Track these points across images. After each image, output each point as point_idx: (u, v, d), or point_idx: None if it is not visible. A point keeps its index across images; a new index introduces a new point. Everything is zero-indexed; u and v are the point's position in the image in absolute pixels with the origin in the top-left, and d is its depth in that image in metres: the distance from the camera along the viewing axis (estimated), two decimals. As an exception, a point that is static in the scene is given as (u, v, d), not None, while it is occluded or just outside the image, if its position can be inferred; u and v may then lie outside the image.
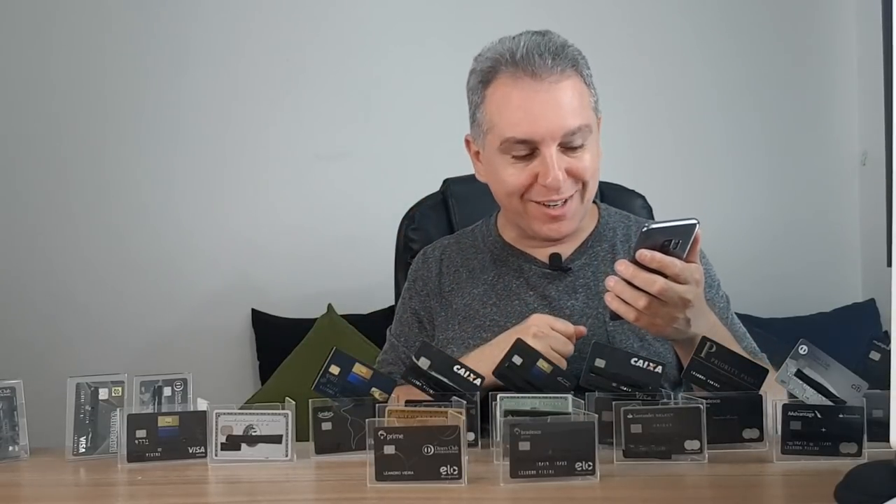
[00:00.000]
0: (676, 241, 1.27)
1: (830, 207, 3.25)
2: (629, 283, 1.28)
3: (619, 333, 1.53)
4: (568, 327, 1.42)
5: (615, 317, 1.32)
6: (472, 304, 1.59)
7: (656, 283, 1.26)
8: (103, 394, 1.31)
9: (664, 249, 1.26)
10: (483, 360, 1.38)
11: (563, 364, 1.38)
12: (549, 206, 1.50)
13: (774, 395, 1.22)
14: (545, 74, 1.45)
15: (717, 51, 3.24)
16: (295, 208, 3.17)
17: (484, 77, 1.51)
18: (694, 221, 1.27)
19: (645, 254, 1.25)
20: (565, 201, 1.50)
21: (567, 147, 1.47)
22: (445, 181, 1.94)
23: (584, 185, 1.51)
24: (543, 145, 1.46)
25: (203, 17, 3.16)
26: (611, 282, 1.30)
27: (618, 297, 1.29)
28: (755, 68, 3.23)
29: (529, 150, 1.47)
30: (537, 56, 1.45)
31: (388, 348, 1.66)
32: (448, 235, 1.75)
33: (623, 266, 1.28)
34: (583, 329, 1.44)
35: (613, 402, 1.17)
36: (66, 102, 3.13)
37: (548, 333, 1.40)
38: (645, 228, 1.26)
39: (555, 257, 1.58)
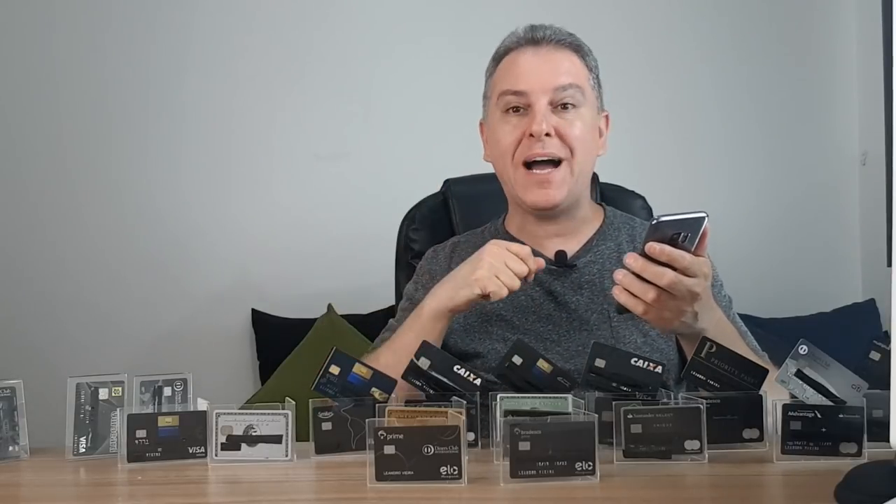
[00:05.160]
0: (685, 234, 1.26)
1: (830, 207, 3.26)
2: (638, 277, 1.28)
3: (622, 329, 1.55)
4: (523, 249, 1.43)
5: (622, 310, 1.31)
6: None
7: (665, 276, 1.26)
8: (103, 394, 1.31)
9: (673, 242, 1.26)
10: (434, 296, 1.47)
11: (516, 284, 1.41)
12: (535, 168, 1.54)
13: (774, 394, 1.22)
14: (545, 43, 1.57)
15: (717, 51, 3.24)
16: (295, 208, 3.17)
17: (497, 56, 1.63)
18: (703, 214, 1.27)
19: (654, 246, 1.25)
20: (551, 168, 1.54)
21: (558, 106, 1.54)
22: (446, 181, 1.95)
23: (573, 153, 1.54)
24: (534, 97, 1.53)
25: (205, 17, 3.16)
26: (619, 275, 1.29)
27: (626, 290, 1.29)
28: (755, 68, 3.23)
29: (523, 104, 1.55)
30: (540, 31, 1.58)
31: (386, 328, 1.67)
32: (457, 235, 1.77)
33: (632, 259, 1.27)
34: (541, 261, 1.45)
35: (613, 402, 1.17)
36: (69, 102, 3.13)
37: (502, 254, 1.43)
38: (654, 221, 1.25)
39: (560, 254, 1.60)
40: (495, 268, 1.41)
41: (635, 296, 1.28)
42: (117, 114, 3.14)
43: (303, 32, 3.18)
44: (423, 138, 3.11)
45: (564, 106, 1.54)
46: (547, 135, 1.52)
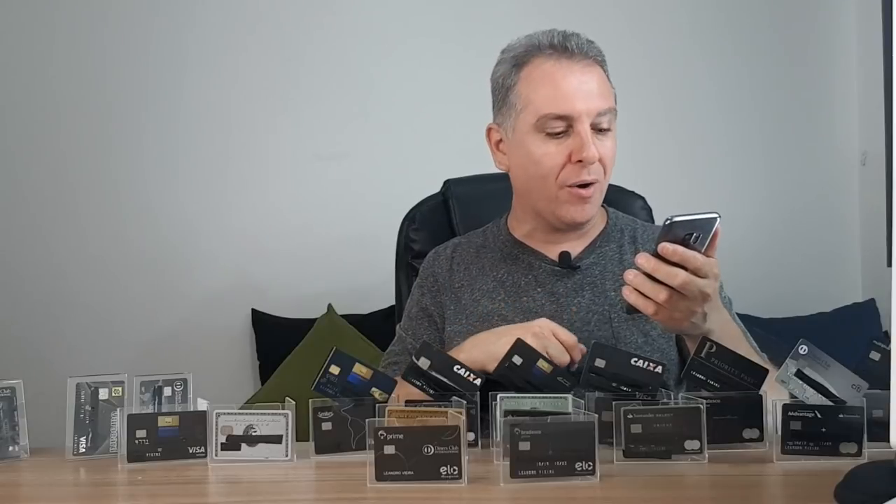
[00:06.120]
0: (697, 234, 1.25)
1: (830, 207, 3.26)
2: (649, 277, 1.27)
3: (623, 330, 1.55)
4: (570, 338, 1.42)
5: (632, 311, 1.31)
6: (482, 299, 1.61)
7: (678, 277, 1.25)
8: (103, 394, 1.31)
9: (685, 243, 1.25)
10: (477, 346, 1.44)
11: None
12: (575, 187, 1.52)
13: (774, 395, 1.22)
14: (579, 58, 1.53)
15: (717, 51, 3.24)
16: (295, 208, 3.17)
17: (518, 61, 1.56)
18: (715, 215, 1.26)
19: (667, 247, 1.24)
20: (590, 184, 1.53)
21: (596, 129, 1.52)
22: (446, 182, 1.94)
23: (605, 172, 1.55)
24: (578, 122, 1.50)
25: (205, 17, 3.16)
26: (630, 275, 1.29)
27: (636, 290, 1.28)
28: (755, 68, 3.23)
29: (564, 127, 1.51)
30: (573, 42, 1.53)
31: (396, 340, 1.68)
32: (459, 236, 1.77)
33: (644, 259, 1.27)
34: (579, 353, 1.41)
35: (613, 402, 1.17)
36: (68, 101, 3.13)
37: (548, 337, 1.41)
38: (668, 221, 1.24)
39: (564, 255, 1.60)
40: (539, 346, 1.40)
41: (646, 296, 1.28)
42: (116, 114, 3.14)
43: (302, 32, 3.18)
44: (422, 138, 3.11)
45: (601, 129, 1.53)
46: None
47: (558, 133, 1.51)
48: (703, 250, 1.27)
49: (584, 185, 1.52)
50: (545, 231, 1.62)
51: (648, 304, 1.28)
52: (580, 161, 1.50)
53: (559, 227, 1.60)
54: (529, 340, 1.37)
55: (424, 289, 1.67)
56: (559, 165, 1.52)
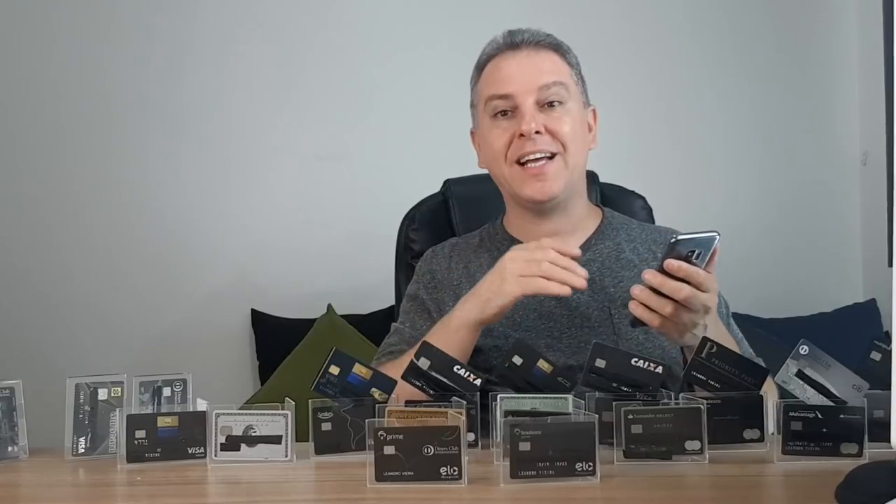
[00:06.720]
0: (698, 251, 1.33)
1: (831, 207, 3.26)
2: (654, 292, 1.32)
3: (623, 326, 1.57)
4: (572, 252, 1.43)
5: (637, 324, 1.36)
6: None
7: (683, 291, 1.31)
8: (102, 394, 1.30)
9: (687, 259, 1.32)
10: (462, 308, 1.48)
11: (578, 284, 1.39)
12: (528, 163, 1.56)
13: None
14: (524, 46, 1.60)
15: (717, 51, 3.24)
16: (295, 208, 3.17)
17: (479, 64, 1.65)
18: (714, 234, 1.34)
19: (673, 263, 1.31)
20: (545, 160, 1.56)
21: (545, 104, 1.57)
22: (446, 182, 1.94)
23: (565, 147, 1.57)
24: (520, 99, 1.56)
25: (206, 17, 3.16)
26: (636, 290, 1.34)
27: (642, 304, 1.34)
28: (755, 68, 3.23)
29: (509, 106, 1.58)
30: (518, 36, 1.61)
31: (392, 333, 1.68)
32: (455, 237, 1.78)
33: (651, 275, 1.33)
34: (560, 246, 1.43)
35: (614, 403, 1.17)
36: (70, 102, 3.13)
37: (520, 255, 1.43)
38: (672, 240, 1.32)
39: None
40: (520, 269, 1.42)
41: (652, 309, 1.34)
42: (117, 113, 3.14)
43: (303, 33, 3.18)
44: (423, 139, 3.11)
45: (551, 104, 1.57)
46: (537, 132, 1.55)
47: (505, 113, 1.58)
48: (703, 266, 1.33)
49: (536, 160, 1.55)
50: (531, 221, 1.64)
51: (654, 317, 1.34)
52: (522, 135, 1.55)
53: (533, 211, 1.62)
54: (510, 275, 1.41)
55: (421, 285, 1.68)
56: (507, 143, 1.58)
